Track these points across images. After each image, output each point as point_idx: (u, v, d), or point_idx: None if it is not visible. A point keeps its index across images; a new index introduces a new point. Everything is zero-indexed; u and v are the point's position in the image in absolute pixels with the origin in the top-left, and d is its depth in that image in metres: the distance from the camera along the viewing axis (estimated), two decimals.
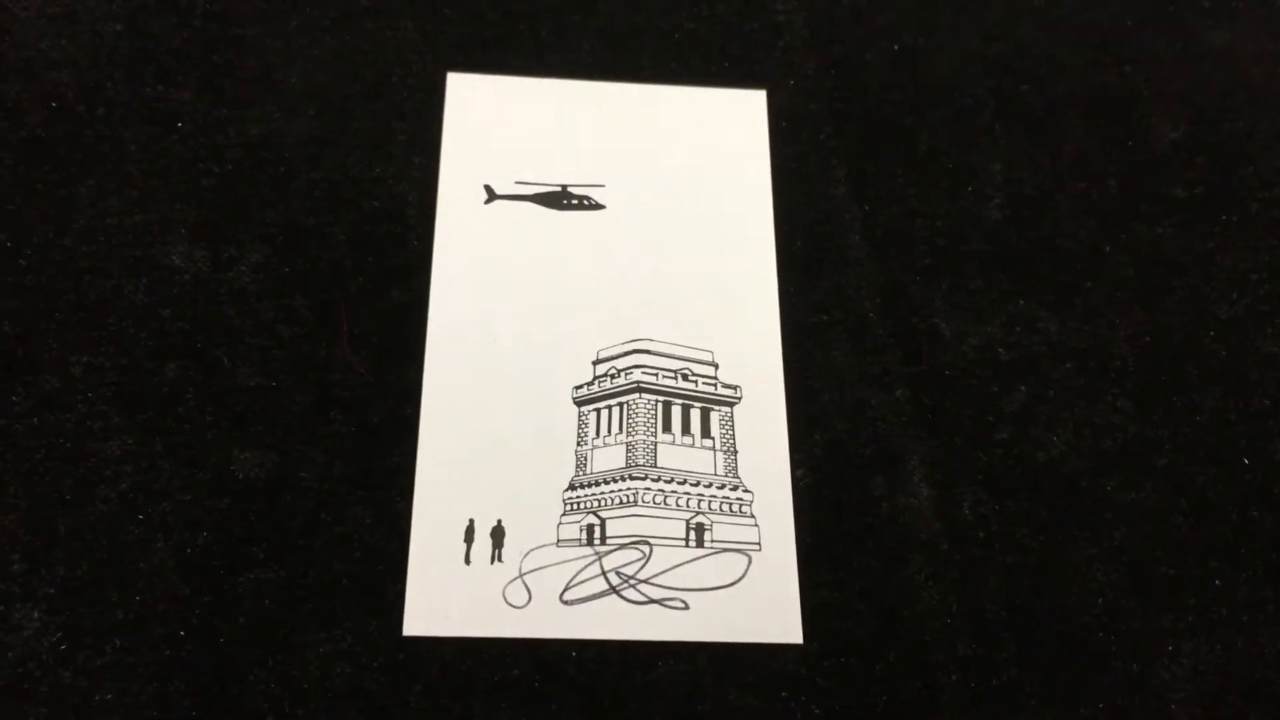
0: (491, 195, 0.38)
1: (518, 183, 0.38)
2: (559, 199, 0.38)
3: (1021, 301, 0.36)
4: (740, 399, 0.35)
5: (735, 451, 0.34)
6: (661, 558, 0.33)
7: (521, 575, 0.32)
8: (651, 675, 0.32)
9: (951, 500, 0.32)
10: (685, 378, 0.35)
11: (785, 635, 0.32)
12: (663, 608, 0.32)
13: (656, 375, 0.35)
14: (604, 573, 0.32)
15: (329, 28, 0.41)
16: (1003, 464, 0.33)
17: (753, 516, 0.33)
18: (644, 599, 0.32)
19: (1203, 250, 0.37)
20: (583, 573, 0.32)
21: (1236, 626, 0.31)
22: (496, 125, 0.39)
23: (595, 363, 0.35)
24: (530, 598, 0.32)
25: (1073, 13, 0.42)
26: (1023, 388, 0.34)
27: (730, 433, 0.34)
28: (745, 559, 0.33)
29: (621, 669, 0.32)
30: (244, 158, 0.38)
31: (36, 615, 0.31)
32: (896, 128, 0.39)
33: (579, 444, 0.34)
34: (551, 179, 0.38)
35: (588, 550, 0.33)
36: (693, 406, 0.35)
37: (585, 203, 0.38)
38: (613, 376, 0.35)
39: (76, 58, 0.39)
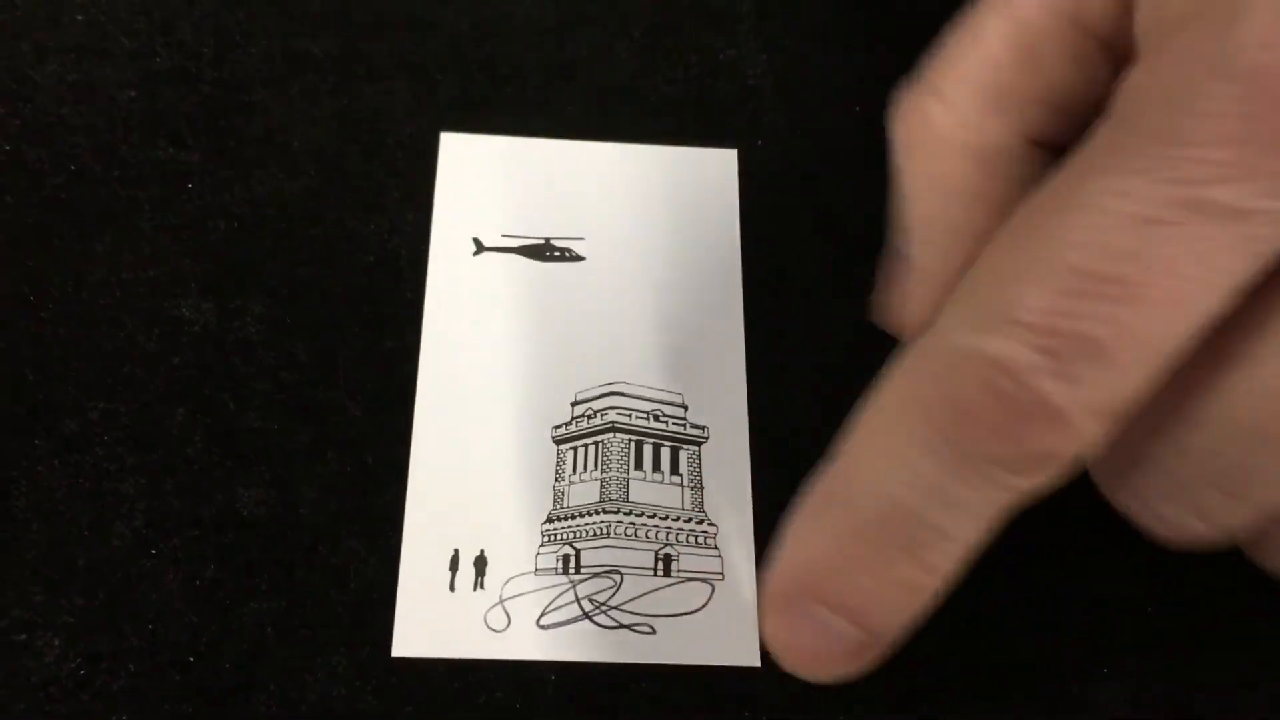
0: (480, 247, 0.40)
1: (504, 235, 0.41)
2: (542, 251, 0.40)
3: None
4: (707, 439, 0.37)
5: (701, 488, 0.37)
6: (631, 586, 0.35)
7: (502, 601, 0.35)
8: (623, 697, 0.34)
9: None
10: (656, 418, 0.38)
11: (745, 659, 0.34)
12: (632, 632, 0.34)
13: (630, 415, 0.38)
14: (578, 599, 0.35)
15: (329, 91, 0.44)
16: None
17: (716, 549, 0.36)
18: (614, 624, 0.35)
19: None
20: (558, 599, 0.35)
21: (1164, 648, 0.33)
22: (485, 181, 0.42)
23: (574, 404, 0.38)
24: (510, 622, 0.34)
25: None
26: None
27: (697, 470, 0.37)
28: (709, 588, 0.35)
29: (596, 690, 0.34)
30: (249, 215, 0.41)
31: (57, 643, 0.34)
32: (861, 183, 0.42)
33: (557, 480, 0.37)
34: (536, 232, 0.41)
35: (563, 579, 0.35)
36: (663, 445, 0.37)
37: (567, 254, 0.40)
38: (589, 417, 0.37)
39: (94, 122, 0.42)
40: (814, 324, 0.40)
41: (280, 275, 0.40)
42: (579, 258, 0.40)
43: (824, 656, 0.27)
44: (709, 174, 0.43)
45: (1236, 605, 0.35)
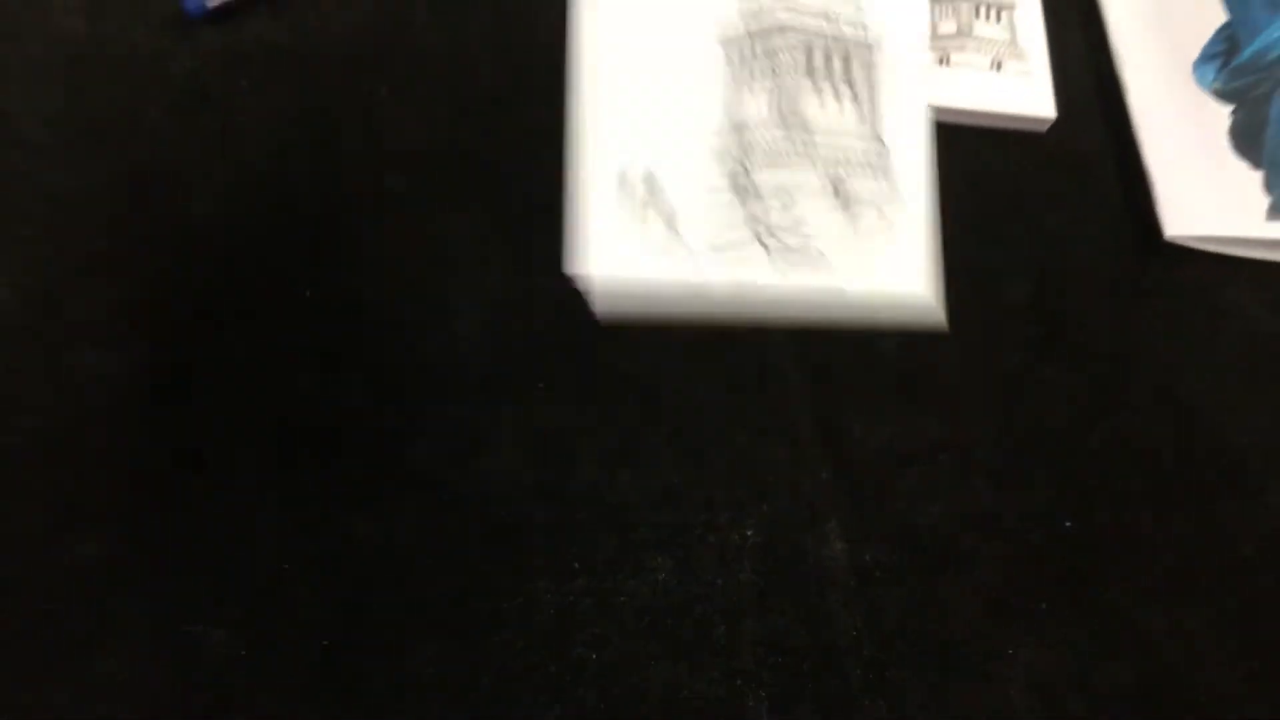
0: None
1: None
2: None
3: (913, 411, 0.43)
4: (881, 44, 0.37)
5: (875, 102, 0.36)
6: (803, 209, 0.35)
7: (673, 225, 0.35)
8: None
9: (858, 552, 0.40)
10: (828, 19, 0.37)
11: (914, 286, 0.36)
12: (803, 257, 0.35)
13: (800, 14, 0.36)
14: (750, 221, 0.36)
15: None
16: (896, 526, 0.41)
17: (890, 172, 0.36)
18: (784, 246, 0.36)
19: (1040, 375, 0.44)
20: (730, 224, 0.36)
21: (1057, 638, 0.40)
22: None
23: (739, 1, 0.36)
24: (685, 244, 0.35)
25: None
26: (912, 472, 0.42)
27: (872, 82, 0.37)
28: (880, 214, 0.36)
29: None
30: None
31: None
32: None
33: (726, 91, 0.36)
34: None
35: (734, 198, 0.36)
36: (834, 51, 0.36)
37: None
38: (757, 16, 0.36)
39: None
40: None
41: None
42: None
43: None
44: None
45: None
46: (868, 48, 0.35)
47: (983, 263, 0.45)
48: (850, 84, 0.35)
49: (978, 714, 0.38)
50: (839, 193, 0.35)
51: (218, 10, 0.47)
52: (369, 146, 0.45)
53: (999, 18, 0.48)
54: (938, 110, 0.47)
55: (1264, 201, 0.47)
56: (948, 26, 0.47)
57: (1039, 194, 0.48)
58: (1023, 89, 0.47)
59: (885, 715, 0.38)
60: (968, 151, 0.47)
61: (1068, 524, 0.42)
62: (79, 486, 0.38)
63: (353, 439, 0.40)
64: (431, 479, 0.39)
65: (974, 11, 0.47)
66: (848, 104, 0.35)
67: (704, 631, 0.38)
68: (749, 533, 0.40)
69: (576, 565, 0.39)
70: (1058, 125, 0.48)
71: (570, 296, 0.39)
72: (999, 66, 0.47)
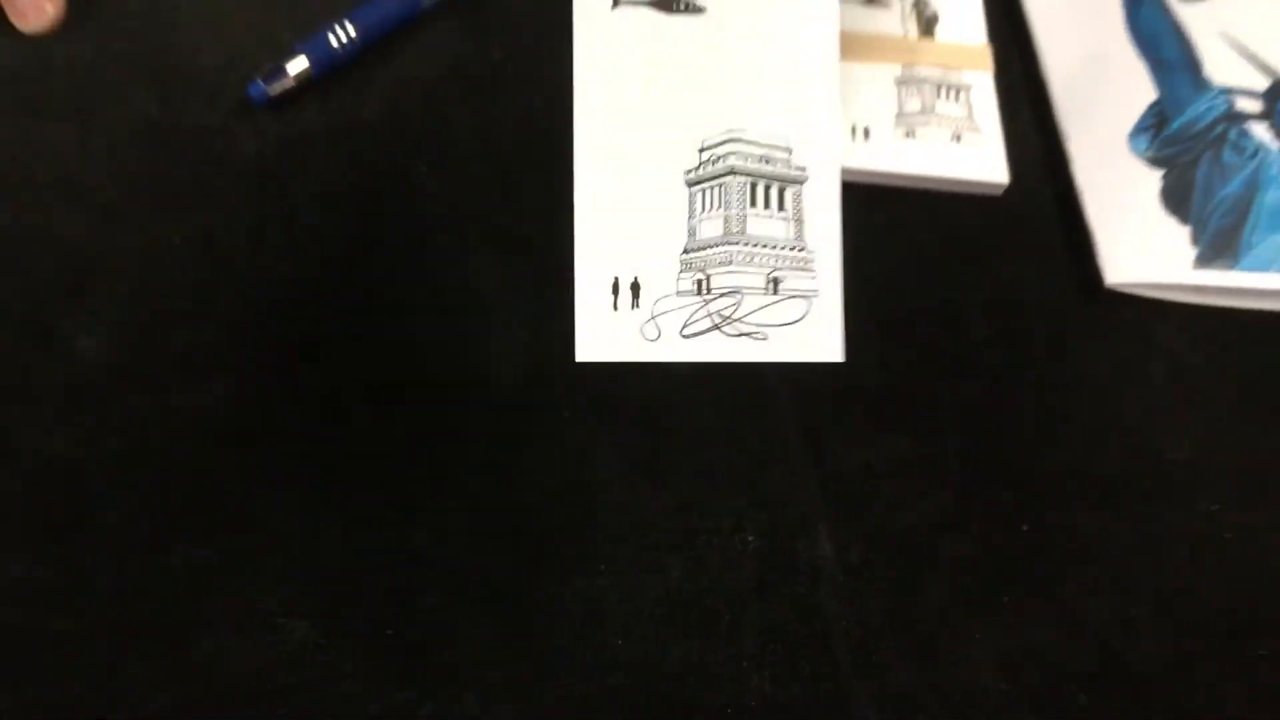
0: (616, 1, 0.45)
1: None
2: (669, 2, 0.46)
3: (888, 432, 0.49)
4: (807, 179, 0.46)
5: (802, 221, 0.45)
6: (749, 303, 0.45)
7: (654, 317, 0.44)
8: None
9: (844, 553, 0.45)
10: (767, 161, 0.46)
11: (831, 355, 0.45)
12: (750, 339, 0.45)
13: (746, 160, 0.45)
14: (710, 315, 0.45)
15: None
16: (876, 530, 0.46)
17: (812, 271, 0.45)
18: (737, 333, 0.45)
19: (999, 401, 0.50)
20: (695, 315, 0.45)
21: (1017, 624, 0.45)
22: None
23: (700, 150, 0.46)
24: (660, 333, 0.44)
25: None
26: (888, 484, 0.47)
27: (799, 206, 0.46)
28: (807, 302, 0.45)
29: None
30: None
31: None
32: None
33: (690, 217, 0.45)
34: None
35: (698, 299, 0.45)
36: (773, 185, 0.46)
37: (689, 6, 0.46)
38: (713, 162, 0.46)
39: None
40: None
41: None
42: (700, 9, 0.46)
43: None
44: None
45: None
46: (798, 183, 0.44)
47: (948, 304, 0.52)
48: (783, 208, 0.44)
49: (952, 687, 0.44)
50: (776, 289, 0.43)
51: (277, 98, 0.53)
52: (409, 213, 0.51)
53: (957, 97, 0.56)
54: (907, 177, 0.54)
55: (1191, 253, 0.53)
56: (913, 105, 0.55)
57: (996, 247, 0.54)
58: (979, 158, 0.54)
59: (871, 690, 0.43)
60: (934, 212, 0.54)
61: (1024, 527, 0.47)
62: (179, 503, 0.43)
63: (406, 460, 0.45)
64: (476, 493, 0.45)
65: (935, 92, 0.55)
66: (780, 223, 0.44)
67: (712, 620, 0.44)
68: (750, 537, 0.45)
69: (603, 566, 0.44)
70: (1011, 189, 0.55)
71: None
72: (959, 139, 0.54)
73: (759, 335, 0.45)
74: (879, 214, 0.53)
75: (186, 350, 0.47)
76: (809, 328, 0.45)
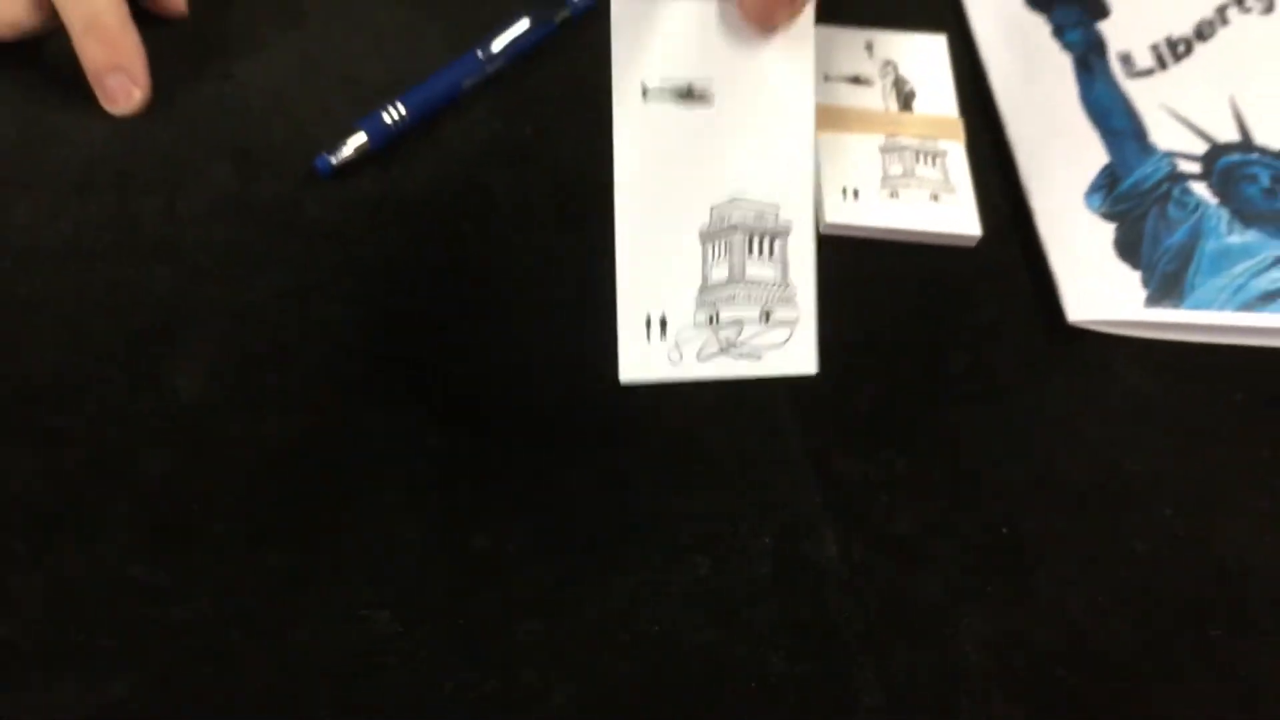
0: (645, 92, 0.53)
1: (662, 79, 0.53)
2: (687, 93, 0.53)
3: (882, 449, 0.55)
4: (791, 230, 0.53)
5: (786, 265, 0.52)
6: (748, 330, 0.51)
7: (677, 345, 0.51)
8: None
9: (847, 553, 0.51)
10: (761, 218, 0.53)
11: (807, 369, 0.51)
12: (748, 359, 0.51)
13: (746, 217, 0.52)
14: (719, 341, 0.51)
15: None
16: (875, 534, 0.52)
17: (794, 303, 0.52)
18: (739, 355, 0.51)
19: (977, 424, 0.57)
20: (707, 342, 0.51)
21: (1000, 612, 0.50)
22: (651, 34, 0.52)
23: (710, 209, 0.52)
24: (681, 357, 0.51)
25: None
26: (884, 494, 0.53)
27: (785, 252, 0.53)
28: (789, 328, 0.52)
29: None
30: None
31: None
32: None
33: (703, 265, 0.52)
34: (682, 77, 0.51)
35: (710, 329, 0.51)
36: (764, 237, 0.53)
37: (702, 96, 0.53)
38: (721, 220, 0.53)
39: None
40: None
41: None
42: (709, 101, 0.53)
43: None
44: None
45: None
46: (784, 234, 0.51)
47: (929, 341, 0.59)
48: (773, 255, 0.51)
49: (943, 666, 0.49)
50: (768, 319, 0.51)
51: (339, 169, 0.60)
52: (457, 267, 0.58)
53: (934, 162, 0.64)
54: (892, 231, 0.62)
55: (1142, 294, 0.60)
56: (895, 169, 0.63)
57: (971, 291, 0.61)
58: (955, 215, 0.62)
59: (874, 669, 0.49)
60: (916, 261, 0.61)
61: (1004, 530, 0.53)
62: (274, 516, 0.49)
63: (468, 476, 0.52)
64: (529, 503, 0.51)
65: (915, 158, 0.63)
66: (770, 267, 0.51)
67: (734, 611, 0.49)
68: (766, 539, 0.51)
69: (639, 564, 0.51)
70: (983, 241, 0.61)
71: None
72: (936, 198, 0.62)
73: (755, 355, 0.51)
74: (868, 264, 0.61)
75: (271, 387, 0.52)
76: (791, 347, 0.51)
